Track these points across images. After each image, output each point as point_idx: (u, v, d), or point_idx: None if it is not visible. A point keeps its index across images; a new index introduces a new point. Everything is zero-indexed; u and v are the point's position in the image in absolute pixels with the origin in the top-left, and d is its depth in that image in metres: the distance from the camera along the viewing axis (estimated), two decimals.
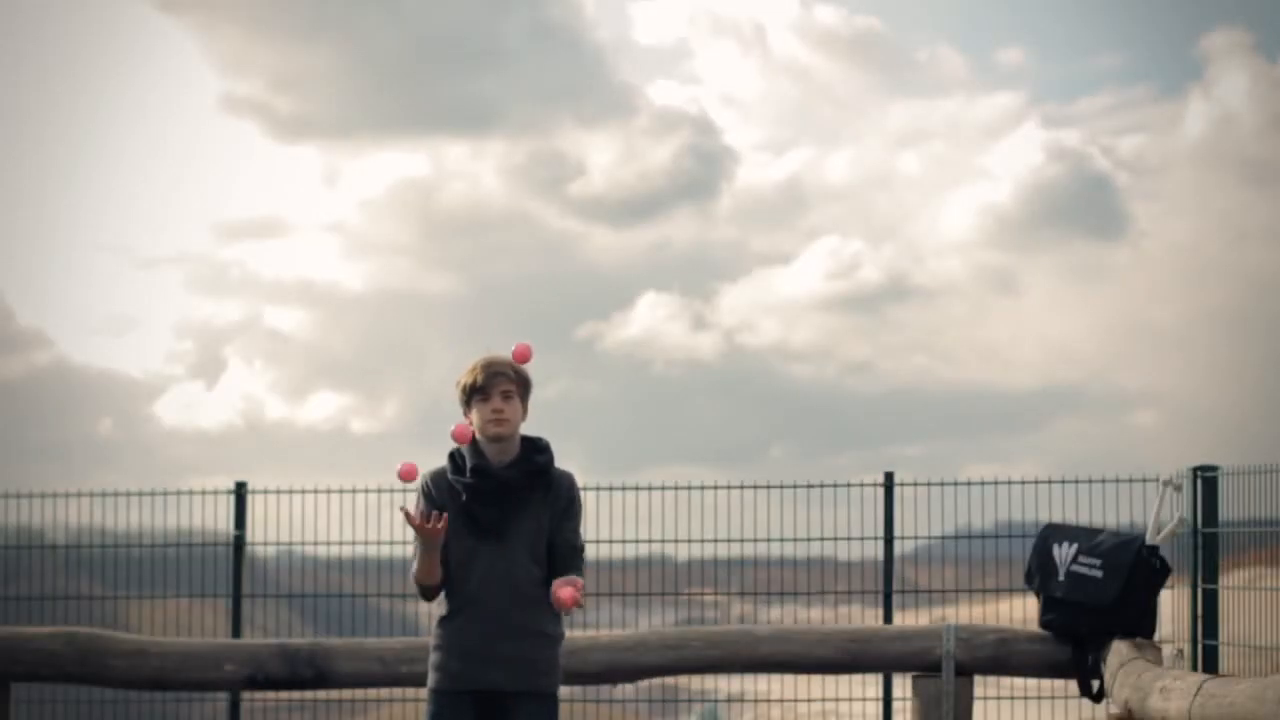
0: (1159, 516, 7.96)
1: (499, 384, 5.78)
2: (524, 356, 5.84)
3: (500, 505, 5.73)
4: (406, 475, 5.65)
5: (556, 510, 5.79)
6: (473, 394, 5.80)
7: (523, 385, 5.85)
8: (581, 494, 5.91)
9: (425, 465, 5.87)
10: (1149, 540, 7.89)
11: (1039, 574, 7.97)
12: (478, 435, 5.82)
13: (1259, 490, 8.39)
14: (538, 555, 5.74)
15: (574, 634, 8.55)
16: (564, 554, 5.76)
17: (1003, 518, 9.93)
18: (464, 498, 5.74)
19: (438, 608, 5.82)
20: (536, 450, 5.84)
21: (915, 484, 9.89)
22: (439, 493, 5.80)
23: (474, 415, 5.81)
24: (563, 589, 5.54)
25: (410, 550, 5.85)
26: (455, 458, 5.84)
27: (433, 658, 5.81)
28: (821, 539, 10.09)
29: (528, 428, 5.89)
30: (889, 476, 9.83)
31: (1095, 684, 7.81)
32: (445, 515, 5.58)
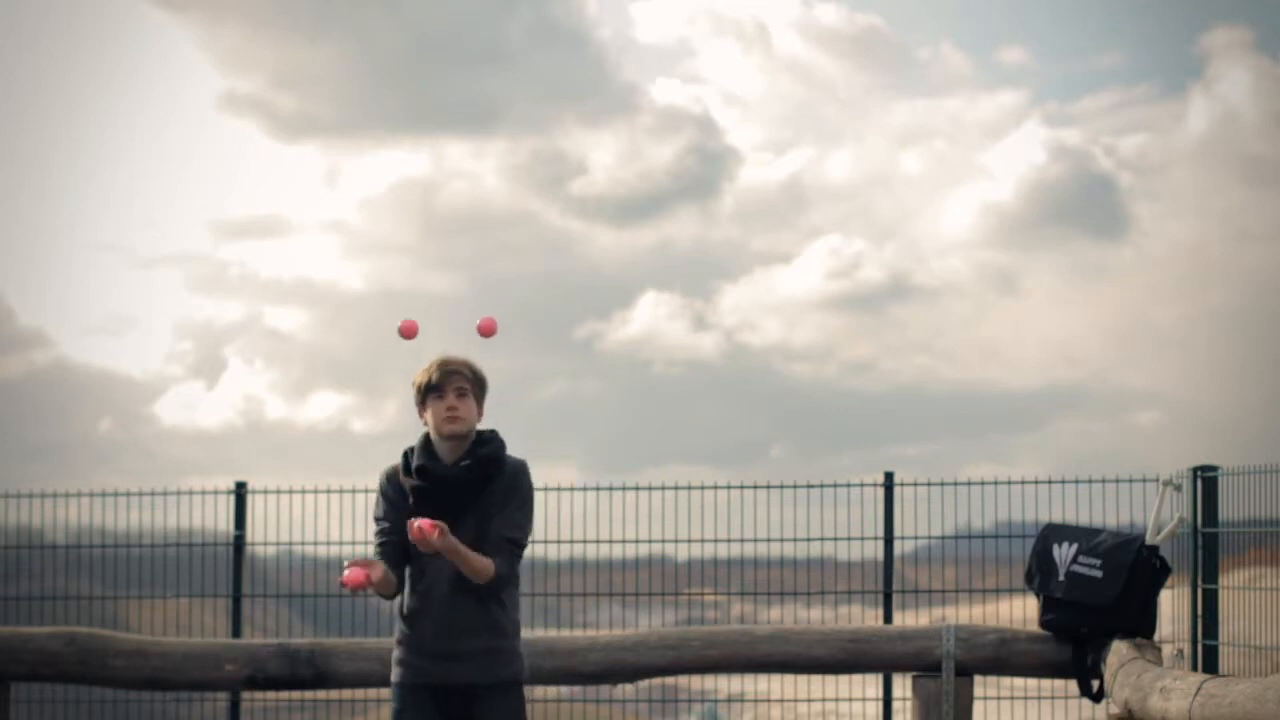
0: (1159, 516, 7.96)
1: (454, 381, 5.80)
2: (489, 330, 5.83)
3: (443, 505, 5.72)
4: (408, 332, 5.67)
5: (494, 500, 5.78)
6: (428, 392, 5.82)
7: (478, 384, 5.86)
8: (532, 485, 5.86)
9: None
10: (1149, 540, 7.89)
11: (1039, 574, 7.97)
12: (432, 435, 5.82)
13: (1259, 490, 8.39)
14: (487, 549, 5.75)
15: (574, 634, 8.56)
16: (493, 542, 5.75)
17: (1003, 518, 9.93)
18: (414, 498, 5.77)
19: (398, 605, 5.86)
20: (480, 443, 5.84)
21: (915, 484, 9.89)
22: (394, 492, 5.84)
23: (429, 414, 5.83)
24: (420, 520, 5.54)
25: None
26: (407, 456, 5.86)
27: (394, 653, 5.88)
28: (821, 539, 10.08)
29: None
30: (889, 476, 9.83)
31: (1095, 684, 7.82)
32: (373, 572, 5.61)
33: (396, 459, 5.91)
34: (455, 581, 5.74)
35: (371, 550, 5.89)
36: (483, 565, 5.69)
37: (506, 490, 5.80)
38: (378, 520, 5.87)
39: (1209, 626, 8.58)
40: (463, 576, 5.73)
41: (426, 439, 5.86)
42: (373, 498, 6.01)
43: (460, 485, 5.74)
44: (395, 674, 5.86)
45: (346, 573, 5.56)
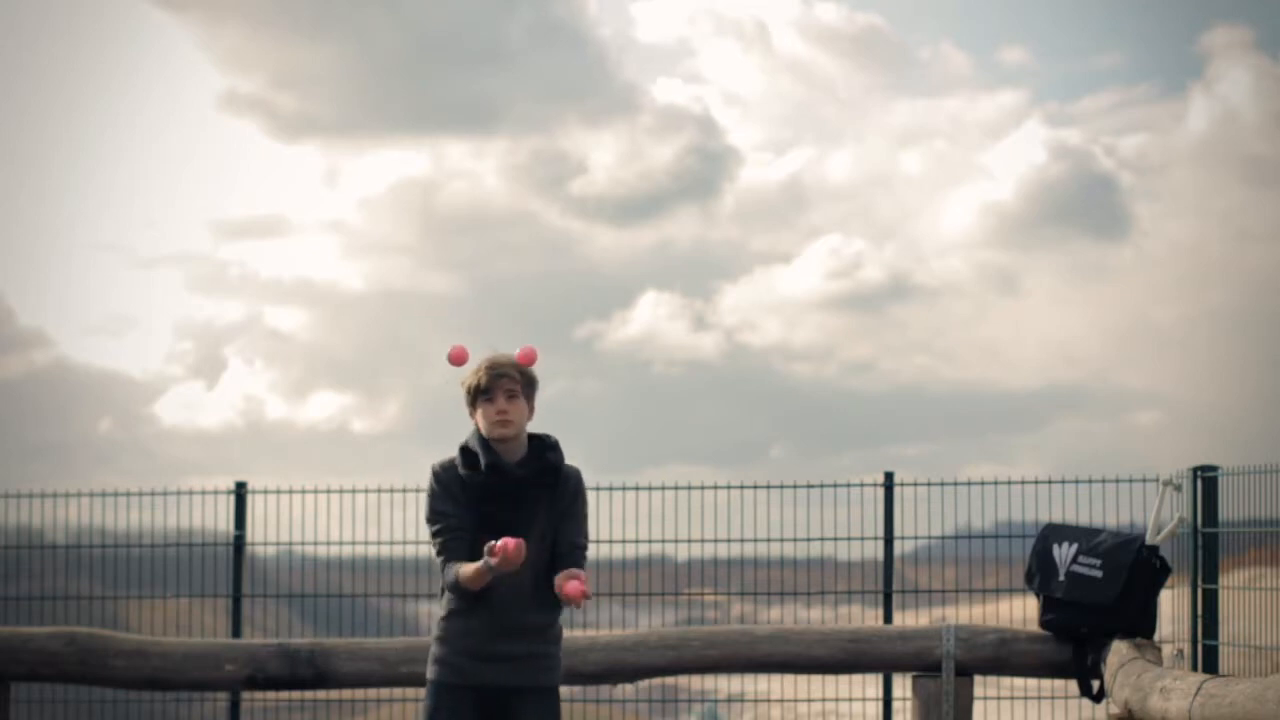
0: (1159, 516, 7.96)
1: (503, 384, 5.77)
2: (529, 358, 5.84)
3: (515, 505, 5.73)
4: (457, 358, 5.66)
5: (561, 507, 5.79)
6: (478, 395, 5.80)
7: (528, 384, 5.84)
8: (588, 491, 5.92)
9: (429, 461, 5.86)
10: (1149, 540, 7.89)
11: (1039, 574, 7.97)
12: (484, 434, 5.81)
13: (1259, 490, 8.38)
14: (545, 554, 5.76)
15: (574, 634, 8.54)
16: (565, 551, 5.78)
17: (1003, 518, 9.92)
18: (478, 495, 5.74)
19: (443, 603, 5.83)
20: (547, 448, 5.84)
21: (915, 484, 9.88)
22: (457, 487, 5.77)
23: (479, 417, 5.81)
24: (569, 583, 5.55)
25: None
26: (466, 452, 5.83)
27: (436, 650, 5.82)
28: (821, 539, 10.08)
29: (532, 426, 5.90)
30: (889, 476, 9.82)
31: (1095, 684, 7.82)
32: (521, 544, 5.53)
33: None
34: (518, 584, 5.70)
35: (434, 549, 5.79)
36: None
37: (573, 498, 5.81)
38: (442, 515, 5.75)
39: (1209, 626, 8.57)
40: (525, 579, 5.68)
41: (483, 438, 5.82)
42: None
43: (531, 485, 5.73)
44: (433, 671, 5.81)
45: (453, 350, 5.60)
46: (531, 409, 5.86)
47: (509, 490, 5.73)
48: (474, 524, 5.73)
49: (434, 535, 5.78)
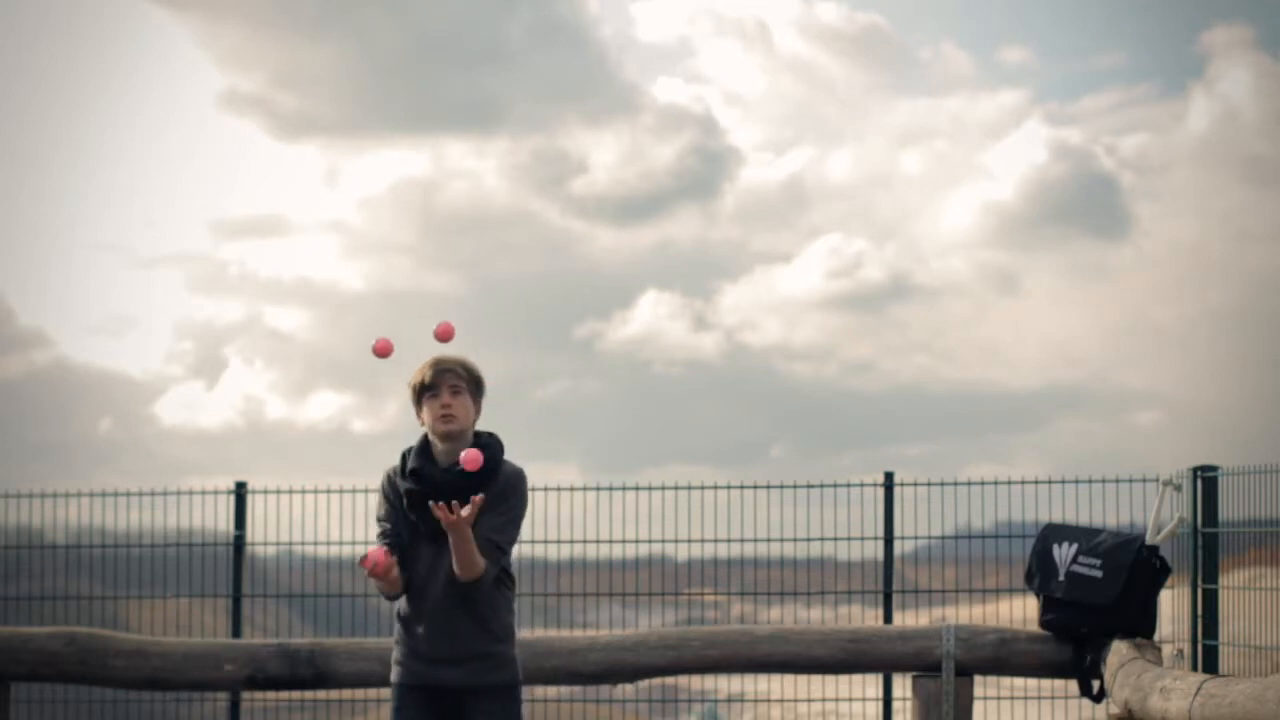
0: (1159, 516, 7.97)
1: (448, 380, 5.78)
2: (446, 335, 5.77)
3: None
4: (382, 350, 5.64)
5: (490, 503, 5.73)
6: (423, 392, 5.80)
7: (473, 383, 5.84)
8: (526, 493, 5.85)
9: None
10: (1149, 540, 7.89)
11: (1039, 574, 7.98)
12: (429, 435, 5.81)
13: (1259, 490, 8.38)
14: (482, 553, 5.72)
15: (574, 634, 8.56)
16: (480, 546, 5.70)
17: (1003, 518, 9.92)
18: (409, 502, 5.74)
19: (398, 606, 5.87)
20: (477, 446, 5.79)
21: (915, 484, 9.88)
22: (394, 493, 5.82)
23: (425, 414, 5.81)
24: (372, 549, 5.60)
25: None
26: (403, 458, 5.84)
27: (394, 652, 5.90)
28: (821, 539, 10.08)
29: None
30: (889, 476, 9.82)
31: (1095, 684, 7.82)
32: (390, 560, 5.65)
33: (396, 459, 5.89)
34: (448, 587, 5.74)
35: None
36: (478, 560, 5.66)
37: (499, 494, 5.75)
38: (379, 521, 5.87)
39: (1209, 626, 8.57)
40: (455, 582, 5.72)
41: (425, 440, 5.85)
42: (373, 498, 5.98)
43: (454, 489, 5.69)
44: (394, 674, 5.90)
45: (370, 549, 5.59)
46: (478, 409, 5.85)
47: (430, 496, 5.67)
48: (407, 531, 5.76)
49: (377, 540, 5.85)
